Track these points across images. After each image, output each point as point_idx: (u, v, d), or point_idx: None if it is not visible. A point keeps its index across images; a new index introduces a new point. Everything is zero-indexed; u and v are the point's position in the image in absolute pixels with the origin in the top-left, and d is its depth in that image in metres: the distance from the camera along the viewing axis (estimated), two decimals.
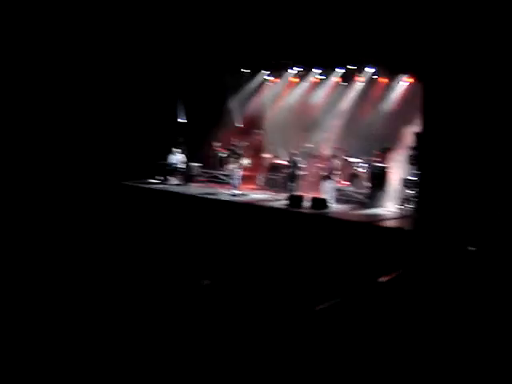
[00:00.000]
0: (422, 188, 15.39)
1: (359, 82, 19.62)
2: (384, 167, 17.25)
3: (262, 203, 17.23)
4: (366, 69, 18.80)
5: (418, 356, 6.88)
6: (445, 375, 6.45)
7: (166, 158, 20.26)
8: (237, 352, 6.82)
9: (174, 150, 20.23)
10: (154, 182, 20.02)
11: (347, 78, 19.85)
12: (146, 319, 7.67)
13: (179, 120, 21.03)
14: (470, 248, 11.52)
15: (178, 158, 20.29)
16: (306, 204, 16.57)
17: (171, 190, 19.18)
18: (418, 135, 15.87)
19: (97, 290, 8.79)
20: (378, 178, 17.08)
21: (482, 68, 13.90)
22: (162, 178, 20.14)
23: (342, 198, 17.70)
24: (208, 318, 7.80)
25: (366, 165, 18.30)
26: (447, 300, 8.79)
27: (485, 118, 13.86)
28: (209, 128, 20.92)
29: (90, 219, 14.28)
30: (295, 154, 18.37)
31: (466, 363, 6.75)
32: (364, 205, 17.03)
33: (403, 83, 18.65)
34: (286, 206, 16.70)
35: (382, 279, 9.57)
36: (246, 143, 20.36)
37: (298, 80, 21.11)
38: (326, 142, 19.56)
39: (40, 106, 18.88)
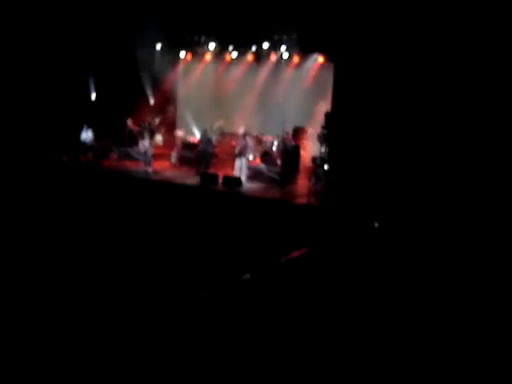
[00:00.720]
0: (332, 166, 15.78)
1: (272, 61, 19.80)
2: (295, 145, 17.54)
3: (174, 181, 17.17)
4: (279, 47, 18.92)
5: (324, 331, 7.11)
6: (348, 347, 6.69)
7: (77, 136, 19.73)
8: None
9: (85, 127, 19.74)
10: (64, 160, 19.51)
11: (260, 56, 19.98)
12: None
13: (92, 97, 20.54)
14: (375, 224, 11.95)
15: (88, 134, 19.81)
16: (219, 182, 16.68)
17: (82, 167, 18.80)
18: (327, 114, 16.21)
19: None
20: (290, 156, 17.34)
21: (391, 50, 14.32)
22: (73, 155, 19.64)
23: (255, 175, 17.86)
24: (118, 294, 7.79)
25: (278, 143, 18.56)
26: (354, 274, 9.11)
27: (391, 98, 14.32)
28: (121, 104, 20.56)
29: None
30: (208, 132, 18.35)
31: (371, 335, 7.04)
32: (276, 182, 17.25)
33: (315, 62, 18.93)
34: (198, 184, 16.72)
35: (292, 255, 9.80)
36: (159, 120, 20.19)
37: (211, 57, 21.04)
38: (238, 119, 19.64)
39: None
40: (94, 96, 20.51)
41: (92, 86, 20.52)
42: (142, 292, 8.00)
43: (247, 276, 8.62)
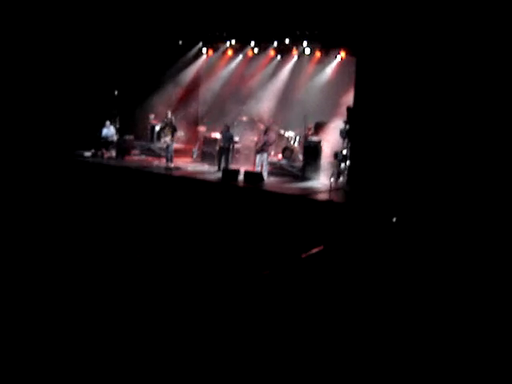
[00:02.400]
0: (353, 161, 15.71)
1: (294, 57, 19.74)
2: (317, 141, 17.46)
3: (196, 176, 17.21)
4: (301, 43, 18.83)
5: (339, 325, 7.08)
6: (365, 344, 6.64)
7: (99, 131, 19.87)
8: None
9: (107, 122, 19.89)
10: (87, 155, 19.68)
11: (282, 52, 19.95)
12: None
13: (114, 93, 20.65)
14: (393, 219, 11.86)
15: (111, 130, 19.97)
16: (240, 177, 16.68)
17: (104, 163, 18.93)
18: (349, 110, 16.12)
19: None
20: (312, 152, 17.27)
21: (413, 44, 14.19)
22: (96, 151, 19.79)
23: (276, 171, 17.85)
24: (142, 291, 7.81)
25: (300, 138, 18.50)
26: (372, 269, 9.06)
27: (414, 94, 14.20)
28: (144, 100, 20.68)
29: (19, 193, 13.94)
30: (230, 127, 18.35)
31: (388, 331, 6.98)
32: (297, 178, 17.22)
33: (337, 58, 18.80)
34: (219, 180, 16.74)
35: (312, 251, 9.77)
36: (181, 116, 20.24)
37: (233, 53, 21.03)
38: (260, 115, 19.61)
39: None
40: (116, 92, 20.59)
41: (114, 83, 20.61)
42: (158, 288, 8.02)
43: (267, 272, 8.62)
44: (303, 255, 9.55)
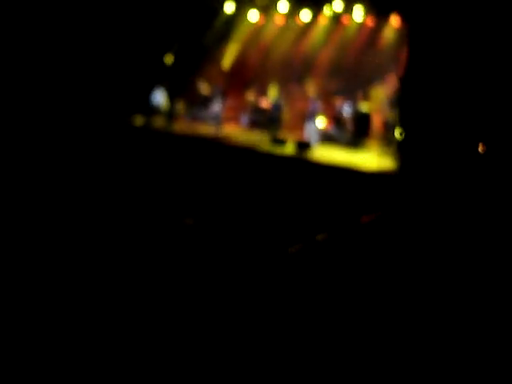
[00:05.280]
0: (404, 130, 15.50)
1: (345, 24, 19.44)
2: (367, 109, 17.28)
3: (244, 144, 17.23)
4: (354, 9, 18.51)
5: (399, 296, 7.07)
6: (421, 315, 6.61)
7: (149, 97, 19.98)
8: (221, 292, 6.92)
9: (157, 89, 19.97)
10: (137, 122, 19.84)
11: (333, 19, 19.65)
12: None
13: (165, 59, 20.69)
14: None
15: (161, 97, 20.05)
16: (289, 146, 16.66)
17: (154, 129, 19.07)
18: (401, 79, 15.89)
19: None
20: (361, 121, 17.13)
21: (469, 12, 13.83)
22: (146, 116, 19.93)
23: (326, 140, 17.74)
24: (191, 259, 7.85)
25: (350, 107, 18.31)
26: (428, 239, 9.01)
27: (468, 62, 13.88)
28: (194, 67, 20.68)
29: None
30: (279, 96, 18.28)
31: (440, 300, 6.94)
32: (347, 147, 17.10)
33: (390, 25, 18.47)
34: (268, 148, 16.75)
35: (365, 219, 9.77)
36: (231, 83, 20.21)
37: (283, 19, 20.81)
38: (310, 83, 19.47)
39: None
40: (170, 60, 20.62)
41: (165, 50, 20.64)
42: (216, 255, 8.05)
43: (324, 236, 8.67)
44: (362, 220, 9.57)
